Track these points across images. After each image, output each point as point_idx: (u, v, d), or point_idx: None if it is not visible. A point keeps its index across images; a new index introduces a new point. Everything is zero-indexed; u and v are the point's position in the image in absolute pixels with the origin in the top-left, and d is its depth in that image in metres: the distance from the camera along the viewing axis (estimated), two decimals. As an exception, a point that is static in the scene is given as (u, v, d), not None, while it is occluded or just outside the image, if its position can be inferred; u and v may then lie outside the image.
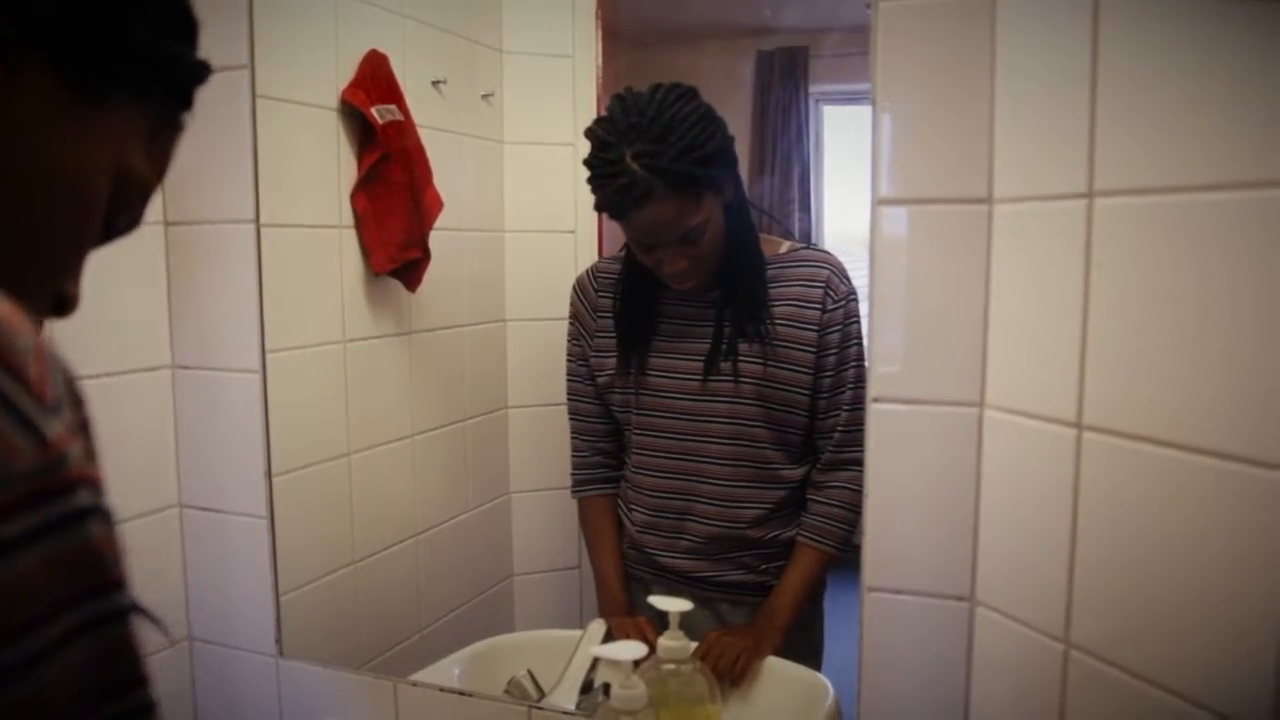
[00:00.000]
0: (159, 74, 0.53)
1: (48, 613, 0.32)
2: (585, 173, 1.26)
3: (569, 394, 1.49)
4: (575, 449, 1.50)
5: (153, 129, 0.54)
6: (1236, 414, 0.70)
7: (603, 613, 1.43)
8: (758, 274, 1.33)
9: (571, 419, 1.49)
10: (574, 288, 1.47)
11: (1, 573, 0.30)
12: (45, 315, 0.53)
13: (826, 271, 1.32)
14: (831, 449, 1.32)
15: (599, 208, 1.27)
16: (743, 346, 1.32)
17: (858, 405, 1.25)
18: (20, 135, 0.47)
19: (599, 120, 1.27)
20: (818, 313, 1.31)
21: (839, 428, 1.31)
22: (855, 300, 1.32)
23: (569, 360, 1.48)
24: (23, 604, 0.31)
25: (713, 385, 1.34)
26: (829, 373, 1.31)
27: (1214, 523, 0.72)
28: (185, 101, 0.56)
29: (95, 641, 0.34)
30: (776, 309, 1.32)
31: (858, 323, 1.31)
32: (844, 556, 1.32)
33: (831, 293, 1.31)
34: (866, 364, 0.99)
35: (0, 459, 0.31)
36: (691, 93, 1.25)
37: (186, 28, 0.54)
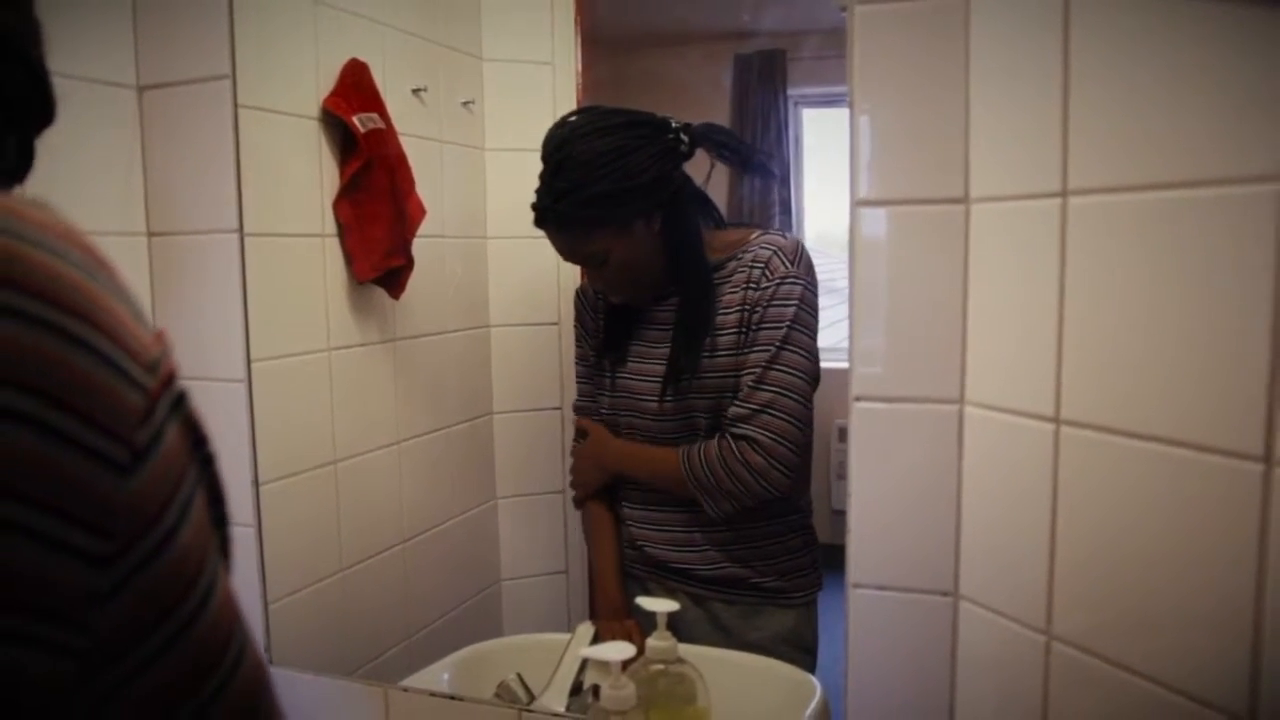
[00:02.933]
0: (21, 156, 0.53)
1: (188, 459, 0.45)
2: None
3: (578, 395, 1.51)
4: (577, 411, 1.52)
5: None
6: (1211, 406, 0.71)
7: (598, 614, 1.45)
8: (702, 286, 1.32)
9: (578, 365, 1.52)
10: (577, 292, 1.51)
11: (167, 438, 0.42)
12: None
13: (769, 253, 1.29)
14: (727, 418, 1.29)
15: None
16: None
17: (764, 384, 1.26)
18: None
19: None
20: (750, 293, 1.29)
21: (743, 395, 1.28)
22: (797, 282, 1.28)
23: (576, 364, 1.51)
24: (180, 457, 0.44)
25: (670, 388, 1.36)
26: (750, 349, 1.28)
27: (1191, 513, 0.73)
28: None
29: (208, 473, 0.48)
30: (726, 306, 1.31)
31: (797, 306, 1.27)
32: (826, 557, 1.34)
33: (768, 272, 1.28)
34: (849, 358, 1.00)
35: (139, 348, 0.41)
36: (614, 128, 1.27)
37: (50, 118, 0.54)
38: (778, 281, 1.28)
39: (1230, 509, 0.70)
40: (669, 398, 1.35)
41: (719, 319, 1.31)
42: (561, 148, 1.27)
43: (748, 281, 1.30)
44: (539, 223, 1.32)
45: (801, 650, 1.37)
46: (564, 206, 1.27)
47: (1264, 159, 0.67)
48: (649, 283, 1.37)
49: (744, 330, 1.29)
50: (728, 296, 1.31)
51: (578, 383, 1.51)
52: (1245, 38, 0.68)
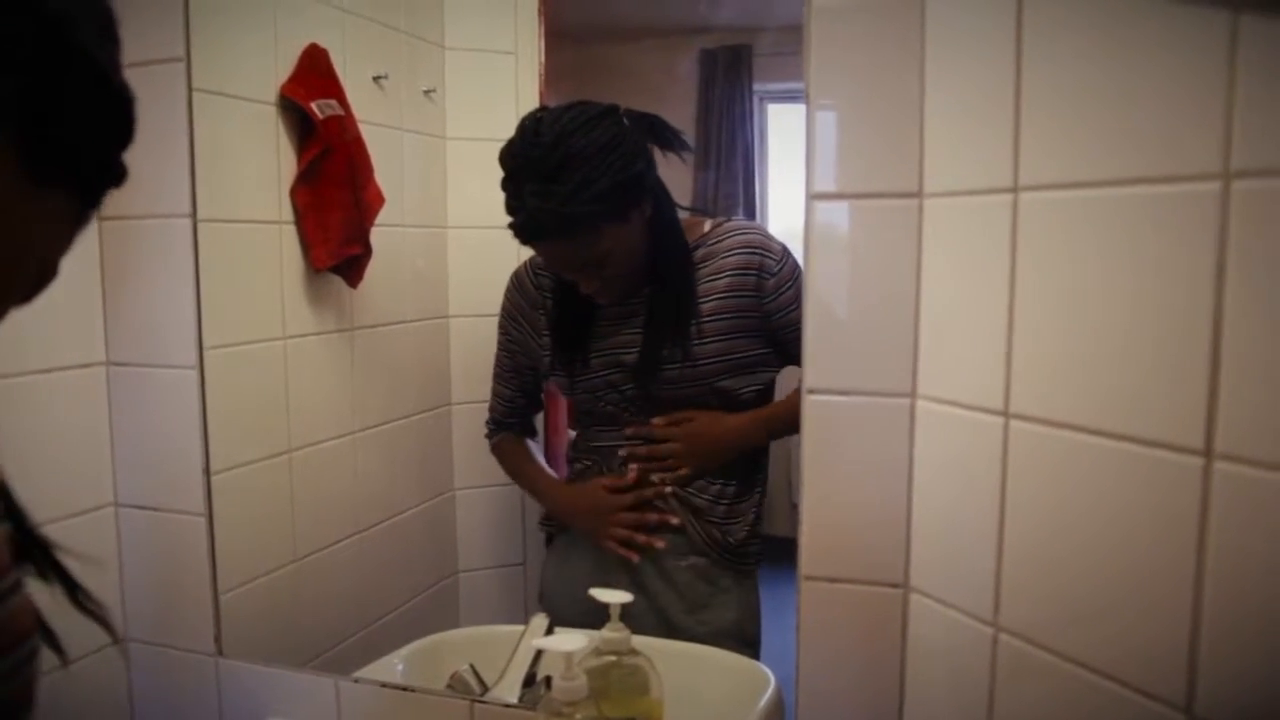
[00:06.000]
0: (99, 171, 0.55)
1: None
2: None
3: (497, 365, 1.52)
4: (493, 409, 1.54)
5: (73, 219, 0.55)
6: (1155, 401, 0.72)
7: (558, 507, 1.49)
8: (686, 273, 1.34)
9: (495, 383, 1.53)
10: (513, 282, 1.48)
11: None
12: None
13: (746, 256, 1.33)
14: None
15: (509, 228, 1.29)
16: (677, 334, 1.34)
17: None
18: None
19: (508, 142, 1.26)
20: (755, 295, 1.33)
21: None
22: (785, 271, 1.33)
23: (502, 341, 1.51)
24: None
25: (651, 376, 1.36)
26: (787, 310, 1.32)
27: (1135, 506, 0.74)
28: (99, 201, 0.57)
29: None
30: (706, 294, 1.33)
31: (789, 281, 1.33)
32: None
33: (767, 265, 1.33)
34: (803, 352, 1.00)
35: None
36: (599, 118, 1.23)
37: (129, 133, 0.55)
38: (777, 272, 1.33)
39: (1172, 502, 0.71)
40: (651, 385, 1.36)
41: (703, 306, 1.33)
42: (558, 146, 1.21)
43: (741, 274, 1.32)
44: (536, 235, 1.26)
45: (744, 643, 1.39)
46: (572, 208, 1.21)
47: (1207, 157, 0.68)
48: (639, 276, 1.35)
49: (740, 316, 1.32)
50: (708, 284, 1.33)
51: (501, 388, 1.51)
52: (1193, 37, 0.69)
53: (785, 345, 1.32)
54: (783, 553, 1.44)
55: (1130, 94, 0.73)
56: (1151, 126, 0.72)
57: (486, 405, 1.55)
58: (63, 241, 0.55)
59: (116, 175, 0.56)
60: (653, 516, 1.39)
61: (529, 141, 1.23)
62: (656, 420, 1.38)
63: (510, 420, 1.53)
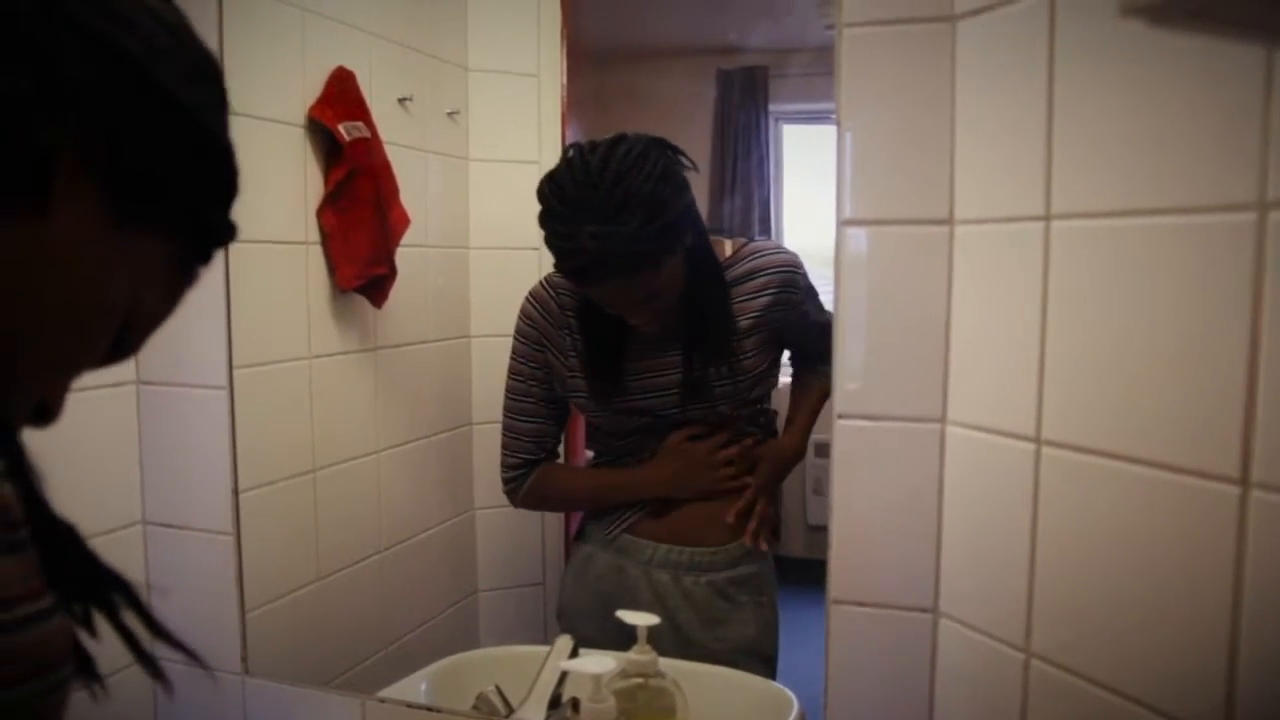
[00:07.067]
0: (196, 221, 0.54)
1: None
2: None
3: (513, 399, 1.45)
4: (514, 452, 1.46)
5: (172, 269, 0.55)
6: (1189, 429, 0.73)
7: (647, 484, 1.44)
8: (724, 300, 1.36)
9: (513, 420, 1.46)
10: (532, 302, 1.43)
11: None
12: (24, 423, 0.52)
13: (782, 275, 1.37)
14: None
15: (558, 271, 1.29)
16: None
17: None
18: (55, 249, 0.47)
19: (552, 184, 1.22)
20: (782, 311, 1.37)
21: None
22: (807, 285, 1.39)
23: (521, 370, 1.44)
24: None
25: (690, 399, 1.38)
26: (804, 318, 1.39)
27: (1169, 534, 0.75)
28: (206, 255, 0.57)
29: None
30: (742, 312, 1.36)
31: (811, 293, 1.39)
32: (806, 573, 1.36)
33: (798, 282, 1.38)
34: (833, 377, 1.01)
35: None
36: (645, 152, 1.20)
37: (231, 186, 0.56)
38: (801, 297, 1.38)
39: (1207, 530, 0.71)
40: (694, 405, 1.37)
41: (740, 324, 1.35)
42: (618, 185, 1.17)
43: (765, 289, 1.36)
44: (599, 277, 1.23)
45: (760, 661, 1.40)
46: (639, 246, 1.18)
47: (1243, 188, 0.68)
48: (679, 303, 1.33)
49: (770, 330, 1.36)
50: (745, 303, 1.36)
51: (523, 425, 1.44)
52: (1229, 67, 0.69)
53: (800, 347, 1.42)
54: (798, 574, 1.45)
55: (1165, 123, 0.74)
56: (1186, 156, 0.73)
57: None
58: (154, 290, 0.54)
59: (221, 229, 0.56)
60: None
61: (582, 182, 1.19)
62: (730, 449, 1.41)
63: (539, 456, 1.46)
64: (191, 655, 0.54)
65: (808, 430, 1.45)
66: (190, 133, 0.52)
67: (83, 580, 0.51)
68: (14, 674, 0.42)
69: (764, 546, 1.42)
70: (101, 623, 0.52)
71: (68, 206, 0.47)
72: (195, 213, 0.54)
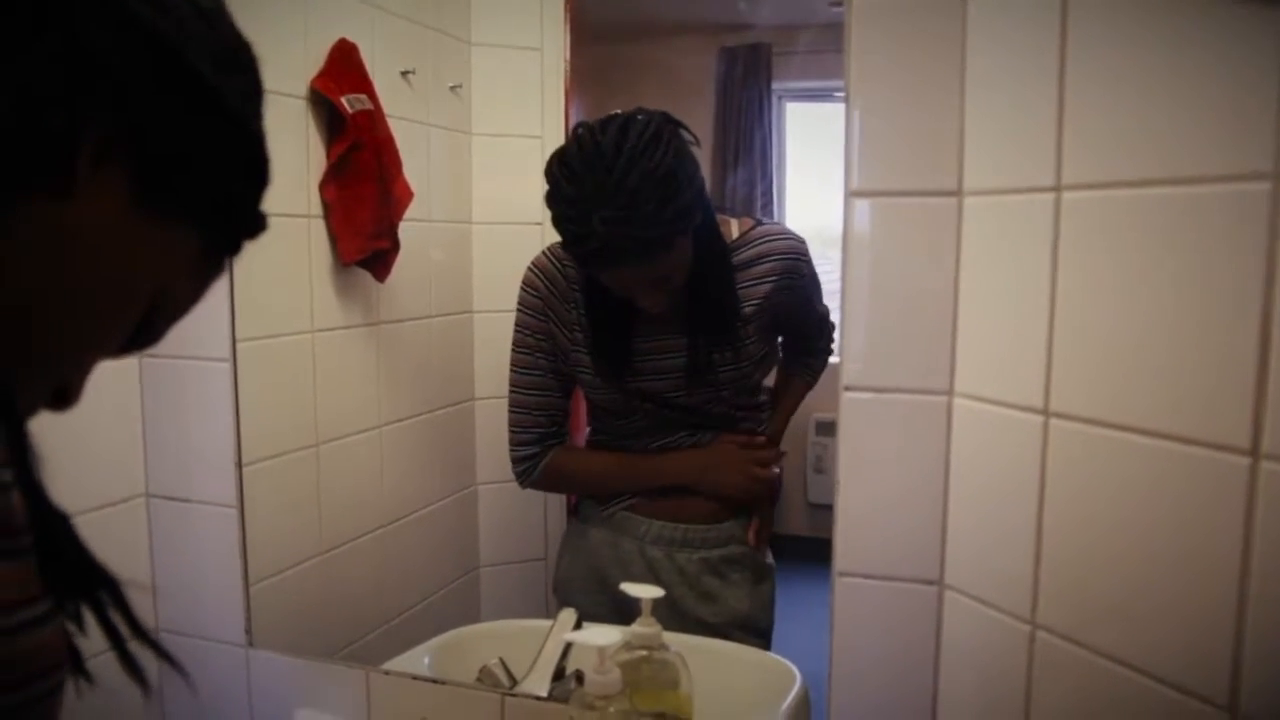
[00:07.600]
0: (225, 211, 0.53)
1: None
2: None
3: (520, 372, 1.44)
4: (526, 429, 1.44)
5: (200, 259, 0.54)
6: (1199, 400, 0.73)
7: (681, 470, 1.43)
8: (729, 283, 1.35)
9: (521, 395, 1.44)
10: (536, 272, 1.42)
11: None
12: (41, 406, 0.52)
13: (788, 262, 1.36)
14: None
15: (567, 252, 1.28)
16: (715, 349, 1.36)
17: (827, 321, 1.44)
18: (78, 231, 0.46)
19: (562, 166, 1.20)
20: (785, 296, 1.36)
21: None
22: (811, 273, 1.40)
23: (526, 342, 1.43)
24: None
25: (694, 382, 1.38)
26: (805, 300, 1.41)
27: (1178, 505, 0.75)
28: (234, 246, 0.56)
29: None
30: (747, 297, 1.35)
31: (814, 282, 1.40)
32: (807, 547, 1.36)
33: (801, 269, 1.38)
34: (835, 345, 1.01)
35: None
36: (658, 133, 1.18)
37: (261, 176, 0.55)
38: (804, 281, 1.39)
39: (1216, 501, 0.71)
40: (698, 388, 1.37)
41: (745, 309, 1.35)
42: (631, 169, 1.15)
43: (770, 274, 1.35)
44: (613, 262, 1.21)
45: (756, 634, 1.41)
46: (655, 230, 1.17)
47: (1256, 157, 0.68)
48: (686, 284, 1.31)
49: (773, 315, 1.36)
50: (750, 288, 1.35)
51: (534, 400, 1.42)
52: (1240, 37, 0.69)
53: (794, 335, 1.44)
54: (799, 551, 1.46)
55: (1177, 93, 0.74)
56: (1198, 126, 0.72)
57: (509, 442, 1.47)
58: (180, 279, 0.53)
59: (250, 220, 0.55)
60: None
61: (594, 165, 1.17)
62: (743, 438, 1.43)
63: (553, 431, 1.45)
64: (169, 660, 0.54)
65: (784, 426, 1.47)
66: (219, 120, 0.51)
67: (73, 575, 0.50)
68: (13, 679, 0.41)
69: (769, 558, 1.46)
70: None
71: (92, 189, 0.46)
72: (223, 201, 0.53)
